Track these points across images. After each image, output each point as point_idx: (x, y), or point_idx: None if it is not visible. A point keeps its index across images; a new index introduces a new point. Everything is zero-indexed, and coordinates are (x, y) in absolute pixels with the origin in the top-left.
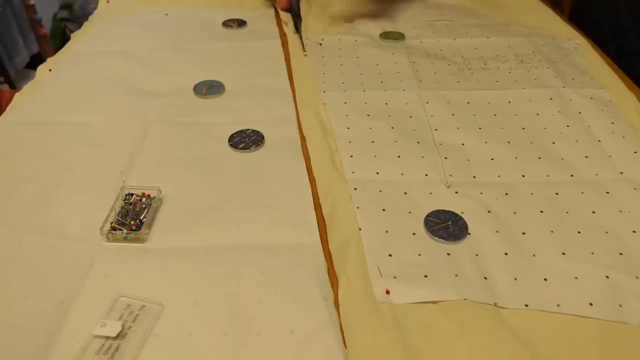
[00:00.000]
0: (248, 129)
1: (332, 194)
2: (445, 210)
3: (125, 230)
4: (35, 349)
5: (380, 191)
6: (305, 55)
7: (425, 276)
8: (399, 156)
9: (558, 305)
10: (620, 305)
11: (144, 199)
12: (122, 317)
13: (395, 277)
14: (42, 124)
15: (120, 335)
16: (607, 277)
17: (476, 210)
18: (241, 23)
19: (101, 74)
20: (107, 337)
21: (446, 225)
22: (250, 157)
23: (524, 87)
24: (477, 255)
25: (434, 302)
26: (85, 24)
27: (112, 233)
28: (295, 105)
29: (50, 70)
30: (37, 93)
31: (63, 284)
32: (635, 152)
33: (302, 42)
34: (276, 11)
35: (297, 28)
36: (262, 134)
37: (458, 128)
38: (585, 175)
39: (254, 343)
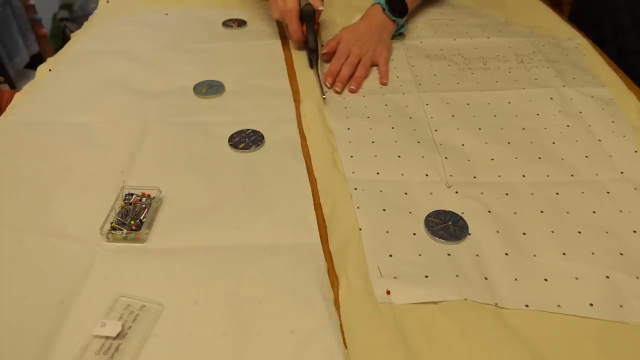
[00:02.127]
0: (248, 129)
1: (332, 194)
2: (445, 211)
3: (125, 230)
4: (35, 349)
5: (381, 191)
6: (324, 98)
7: (426, 276)
8: (399, 156)
9: (558, 306)
10: (621, 306)
11: (144, 199)
12: (122, 317)
13: (395, 278)
14: (42, 124)
15: (120, 335)
16: (607, 277)
17: (476, 211)
18: (241, 23)
19: (101, 74)
20: (107, 337)
21: (446, 226)
22: (250, 157)
23: (524, 87)
24: (477, 255)
25: (435, 303)
26: (85, 24)
27: (112, 233)
28: (296, 106)
29: (50, 70)
30: (37, 93)
31: (63, 284)
32: (635, 152)
33: (320, 84)
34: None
35: (313, 65)
36: (262, 134)
37: (458, 129)
38: (586, 175)
39: (254, 343)
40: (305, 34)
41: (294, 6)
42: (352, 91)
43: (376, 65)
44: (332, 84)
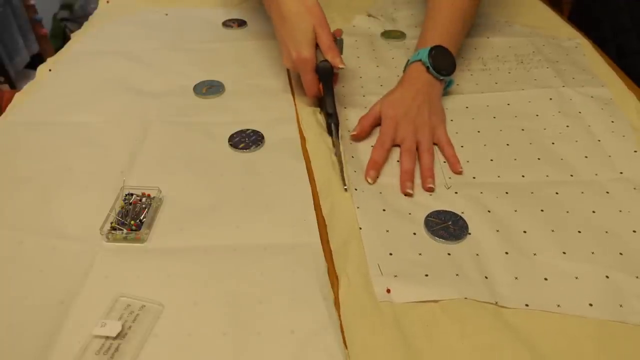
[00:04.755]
0: (248, 129)
1: (332, 193)
2: (445, 211)
3: (125, 230)
4: (35, 349)
5: (381, 192)
6: (345, 189)
7: (426, 275)
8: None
9: (558, 305)
10: (621, 305)
11: (144, 199)
12: (122, 317)
13: (396, 276)
14: (42, 124)
15: (120, 335)
16: (607, 277)
17: (476, 210)
18: (241, 23)
19: (101, 74)
20: (107, 337)
21: (446, 225)
22: (250, 157)
23: (524, 87)
24: (477, 254)
25: (435, 301)
26: (85, 24)
27: (112, 233)
28: (295, 105)
29: (50, 70)
30: (37, 93)
31: (63, 284)
32: (635, 152)
33: (341, 169)
34: None
35: (331, 134)
36: (262, 134)
37: (457, 132)
38: (585, 175)
39: (254, 343)
40: (322, 92)
41: (310, 56)
42: (431, 190)
43: (435, 144)
44: (375, 179)
